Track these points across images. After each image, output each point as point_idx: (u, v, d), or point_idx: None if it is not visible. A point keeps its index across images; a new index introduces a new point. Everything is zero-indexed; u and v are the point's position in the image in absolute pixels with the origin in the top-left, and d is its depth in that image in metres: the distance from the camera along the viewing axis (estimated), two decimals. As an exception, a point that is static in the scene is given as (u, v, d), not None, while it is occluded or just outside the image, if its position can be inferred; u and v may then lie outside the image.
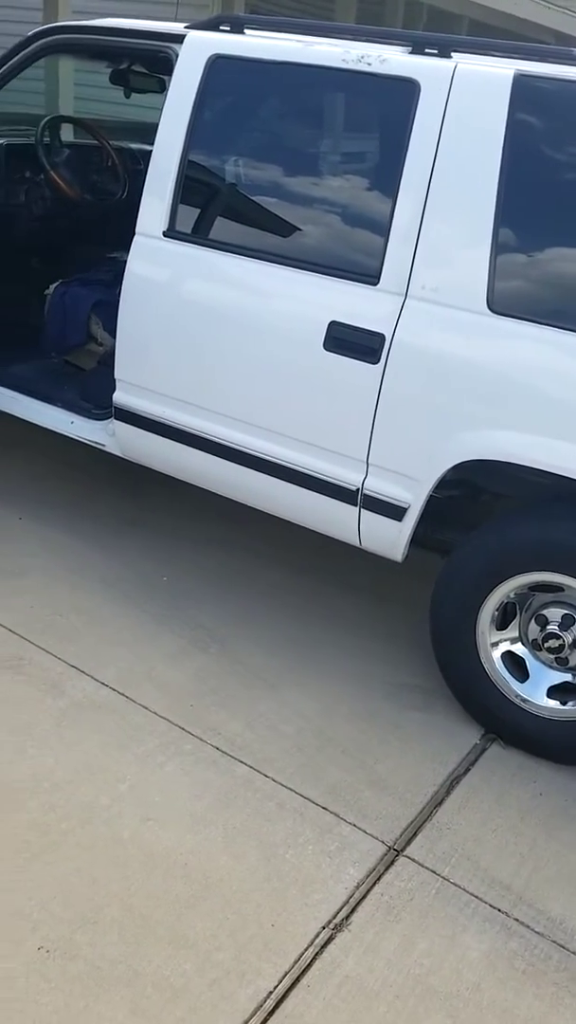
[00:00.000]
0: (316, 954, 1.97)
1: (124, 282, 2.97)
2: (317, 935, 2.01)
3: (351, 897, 2.12)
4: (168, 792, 2.34)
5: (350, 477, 2.70)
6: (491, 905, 2.15)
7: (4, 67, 3.30)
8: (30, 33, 3.25)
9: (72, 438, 3.36)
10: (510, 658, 2.64)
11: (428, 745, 2.63)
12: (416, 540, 2.74)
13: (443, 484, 2.61)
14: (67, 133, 4.30)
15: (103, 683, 2.71)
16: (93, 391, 3.36)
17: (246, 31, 2.88)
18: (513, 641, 2.63)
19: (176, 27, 2.99)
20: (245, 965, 1.92)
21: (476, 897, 2.17)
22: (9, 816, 2.21)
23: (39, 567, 3.27)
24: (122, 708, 2.62)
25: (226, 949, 1.95)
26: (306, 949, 1.98)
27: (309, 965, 1.95)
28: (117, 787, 2.34)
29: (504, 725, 2.65)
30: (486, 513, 2.79)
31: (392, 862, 2.23)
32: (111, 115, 4.91)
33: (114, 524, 3.61)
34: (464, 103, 2.44)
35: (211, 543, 3.56)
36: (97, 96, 4.57)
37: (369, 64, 2.59)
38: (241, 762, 2.47)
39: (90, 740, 2.48)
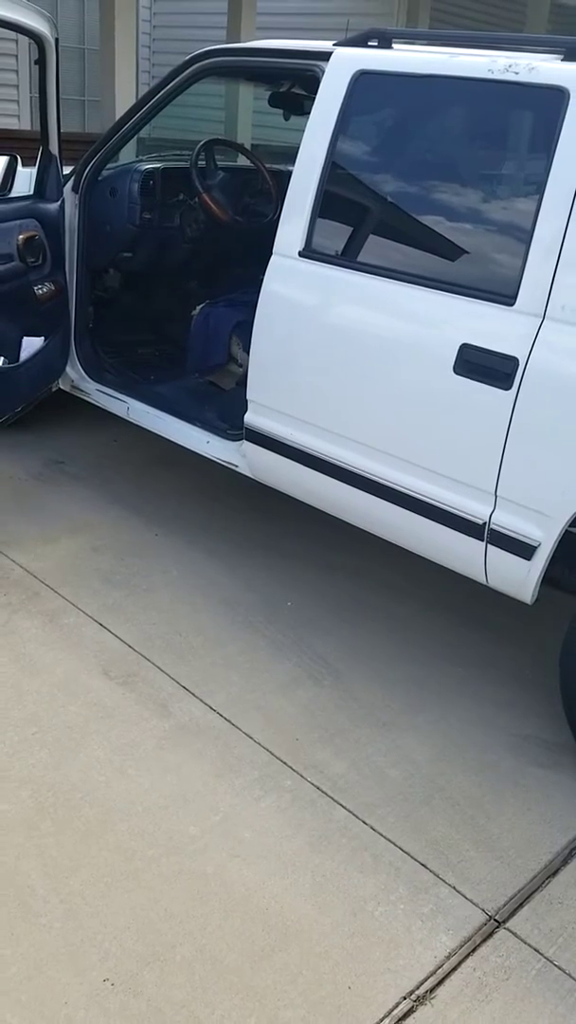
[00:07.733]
0: (392, 1027, 1.82)
1: (259, 302, 2.93)
2: (396, 1005, 1.85)
3: (440, 968, 1.94)
4: (260, 829, 2.24)
5: (477, 510, 2.53)
6: (600, 997, 1.92)
7: (162, 91, 3.36)
8: (187, 58, 3.29)
9: (209, 458, 3.37)
10: None
11: (549, 806, 2.41)
12: (551, 581, 2.55)
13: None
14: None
15: (211, 707, 2.65)
16: (229, 412, 3.35)
17: (394, 45, 2.79)
18: None
19: (325, 45, 2.94)
20: (314, 1028, 1.80)
21: (583, 986, 1.94)
22: (97, 838, 2.18)
23: (167, 584, 3.27)
24: (226, 735, 2.55)
25: (295, 1007, 1.83)
26: (382, 1020, 1.82)
27: (383, 1038, 1.80)
28: (209, 818, 2.26)
29: None
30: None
31: (491, 934, 2.04)
32: (290, 142, 4.93)
33: (247, 546, 3.57)
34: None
35: (342, 571, 3.46)
36: (276, 123, 4.61)
37: (516, 73, 2.44)
38: (340, 805, 2.35)
39: (189, 766, 2.43)
